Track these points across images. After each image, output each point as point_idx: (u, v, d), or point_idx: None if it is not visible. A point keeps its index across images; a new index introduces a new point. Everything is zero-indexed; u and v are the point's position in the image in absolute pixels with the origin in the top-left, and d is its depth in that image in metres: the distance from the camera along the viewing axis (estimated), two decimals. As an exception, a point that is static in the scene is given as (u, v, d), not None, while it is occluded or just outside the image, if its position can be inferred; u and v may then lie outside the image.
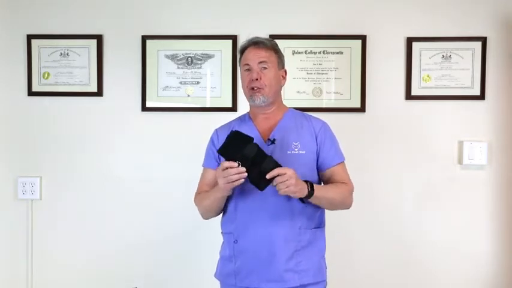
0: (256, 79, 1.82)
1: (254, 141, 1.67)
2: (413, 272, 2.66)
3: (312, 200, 1.74)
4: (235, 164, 1.64)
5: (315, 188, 1.72)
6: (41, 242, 2.72)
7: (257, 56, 1.84)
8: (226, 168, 1.64)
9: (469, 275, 2.65)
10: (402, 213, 2.66)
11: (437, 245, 2.65)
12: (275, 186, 1.64)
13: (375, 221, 2.65)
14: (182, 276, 2.69)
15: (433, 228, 2.65)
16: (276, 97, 1.89)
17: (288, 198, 1.74)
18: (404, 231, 2.66)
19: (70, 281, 2.71)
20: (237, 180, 1.65)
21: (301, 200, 1.74)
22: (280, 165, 1.65)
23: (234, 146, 1.66)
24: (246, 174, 1.64)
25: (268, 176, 1.63)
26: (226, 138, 1.69)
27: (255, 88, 1.82)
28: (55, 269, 2.71)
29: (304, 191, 1.69)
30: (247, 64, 1.85)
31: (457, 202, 2.65)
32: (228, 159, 1.66)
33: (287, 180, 1.62)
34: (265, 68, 1.83)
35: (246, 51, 1.87)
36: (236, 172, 1.63)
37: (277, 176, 1.63)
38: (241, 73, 1.90)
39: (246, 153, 1.63)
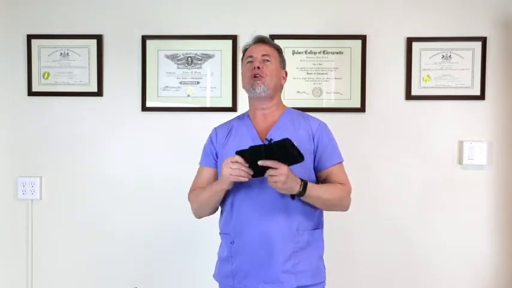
0: (258, 67, 1.83)
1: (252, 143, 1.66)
2: (413, 272, 2.66)
3: (304, 198, 1.72)
4: (246, 164, 1.65)
5: (308, 187, 1.70)
6: (41, 242, 2.72)
7: (261, 49, 1.87)
8: (237, 162, 1.65)
9: (468, 275, 2.65)
10: (402, 213, 2.66)
11: (437, 244, 2.65)
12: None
13: (375, 221, 2.65)
14: (182, 277, 2.69)
15: (433, 228, 2.65)
16: (276, 92, 1.89)
17: (282, 195, 1.73)
18: (404, 231, 2.66)
19: (70, 281, 2.72)
20: (242, 176, 1.66)
21: (292, 196, 1.72)
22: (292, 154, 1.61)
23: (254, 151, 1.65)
24: (251, 175, 1.66)
25: (260, 163, 1.62)
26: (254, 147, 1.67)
27: (257, 76, 1.83)
28: (55, 269, 2.71)
29: (294, 190, 1.68)
30: (251, 56, 1.87)
31: (457, 202, 2.65)
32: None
33: (276, 176, 1.62)
34: (267, 60, 1.86)
35: (250, 48, 1.90)
36: (245, 170, 1.65)
37: (270, 167, 1.63)
38: (242, 68, 1.91)
39: (256, 150, 1.63)
